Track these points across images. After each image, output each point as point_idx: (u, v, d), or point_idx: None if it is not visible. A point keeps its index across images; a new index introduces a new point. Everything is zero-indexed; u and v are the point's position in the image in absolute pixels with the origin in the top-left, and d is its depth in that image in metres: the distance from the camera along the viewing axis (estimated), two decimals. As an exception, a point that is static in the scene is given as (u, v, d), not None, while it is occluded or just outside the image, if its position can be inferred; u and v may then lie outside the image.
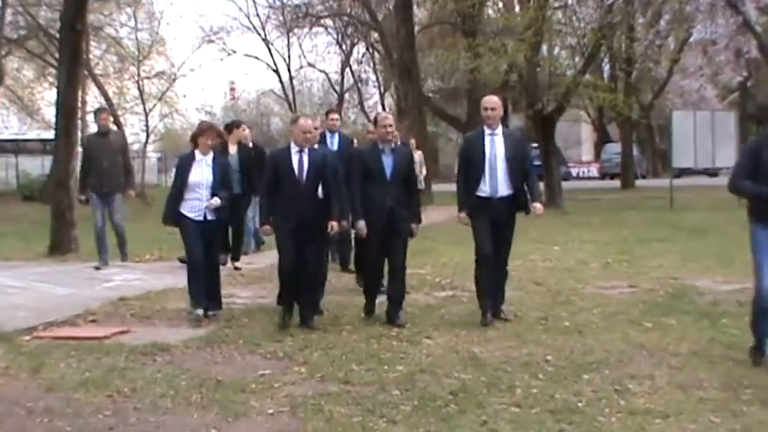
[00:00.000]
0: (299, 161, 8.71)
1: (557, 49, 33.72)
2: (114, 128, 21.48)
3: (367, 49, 45.19)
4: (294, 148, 8.76)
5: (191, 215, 9.08)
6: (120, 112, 40.96)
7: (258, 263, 12.70)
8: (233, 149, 12.76)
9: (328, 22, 42.49)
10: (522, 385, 6.57)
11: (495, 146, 8.72)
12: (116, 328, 8.83)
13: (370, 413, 6.03)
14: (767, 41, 25.68)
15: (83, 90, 34.81)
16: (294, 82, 52.94)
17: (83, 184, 13.58)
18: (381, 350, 7.78)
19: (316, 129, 11.84)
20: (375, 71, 48.48)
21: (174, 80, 45.81)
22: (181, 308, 9.62)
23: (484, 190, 8.69)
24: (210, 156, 9.30)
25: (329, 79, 52.41)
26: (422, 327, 8.64)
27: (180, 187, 9.16)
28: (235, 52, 47.28)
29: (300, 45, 48.81)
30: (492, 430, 5.63)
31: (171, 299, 10.24)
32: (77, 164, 14.98)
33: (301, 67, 52.31)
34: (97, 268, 13.10)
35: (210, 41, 45.09)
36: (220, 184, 9.23)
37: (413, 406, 6.11)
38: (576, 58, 31.78)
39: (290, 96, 52.64)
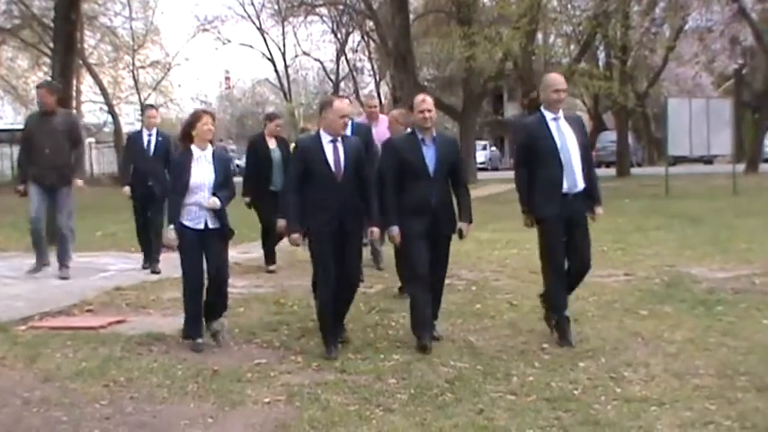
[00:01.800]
0: (335, 152, 7.32)
1: (552, 38, 33.80)
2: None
3: (362, 37, 45.19)
4: (326, 138, 7.33)
5: (189, 224, 7.56)
6: (115, 102, 40.97)
7: (254, 252, 12.68)
8: (272, 143, 11.76)
9: (323, 10, 42.49)
10: (518, 373, 6.58)
11: (564, 132, 7.42)
12: (112, 317, 8.82)
13: (367, 402, 6.04)
14: (762, 29, 25.67)
15: (77, 79, 34.78)
16: (289, 71, 53.03)
17: (21, 174, 11.57)
18: (378, 339, 7.78)
19: (374, 107, 11.46)
20: (370, 60, 48.49)
21: (168, 69, 45.87)
22: (176, 297, 9.60)
23: (560, 186, 7.37)
24: (210, 150, 7.70)
25: (324, 68, 52.50)
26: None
27: (182, 191, 7.56)
28: (230, 41, 47.33)
29: (295, 34, 49.00)
30: (488, 419, 5.64)
31: (167, 288, 10.22)
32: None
33: (296, 56, 52.46)
34: (33, 271, 11.42)
35: (205, 30, 45.14)
36: (223, 183, 7.71)
37: (409, 394, 6.12)
38: (572, 47, 31.86)
39: (286, 85, 52.69)
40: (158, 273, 11.36)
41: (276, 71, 52.59)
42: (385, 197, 7.47)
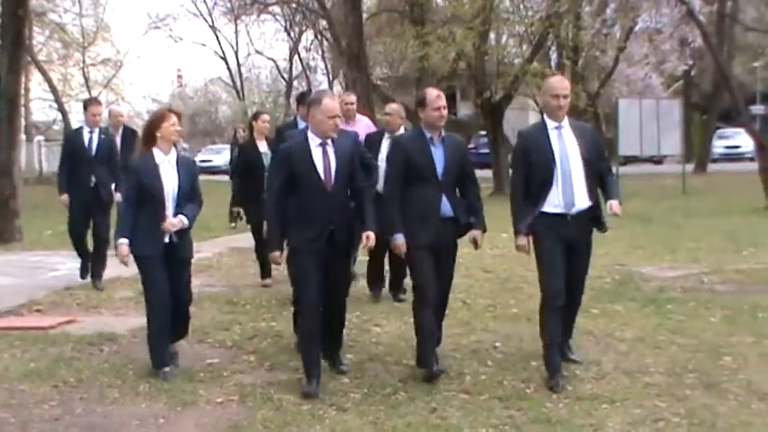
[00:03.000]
0: (324, 157, 6.35)
1: (504, 38, 33.88)
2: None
3: (315, 36, 44.99)
4: (315, 140, 6.35)
5: (149, 239, 6.69)
6: (65, 100, 40.46)
7: (205, 251, 12.60)
8: (263, 146, 10.58)
9: (276, 9, 42.23)
10: (471, 372, 6.61)
11: (566, 143, 6.46)
12: (62, 317, 8.73)
13: (320, 401, 6.04)
14: (710, 31, 26.01)
15: (26, 77, 34.30)
16: (242, 69, 52.76)
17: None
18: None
19: (350, 104, 9.72)
20: (324, 59, 48.31)
21: (120, 67, 45.40)
22: (128, 296, 9.52)
23: (555, 203, 6.41)
24: (174, 155, 6.75)
25: (277, 67, 52.26)
26: (371, 315, 8.64)
27: (140, 201, 6.64)
28: (182, 39, 47.03)
29: (248, 32, 48.67)
30: (441, 417, 5.66)
31: (118, 288, 10.13)
32: (22, 152, 14.67)
33: (249, 55, 52.17)
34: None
35: (157, 28, 44.71)
36: (189, 193, 6.77)
37: (363, 394, 6.13)
38: (524, 47, 31.94)
39: (239, 84, 52.43)
40: (102, 290, 10.17)
41: (229, 69, 52.34)
42: (389, 201, 6.62)
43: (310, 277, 6.32)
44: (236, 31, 49.82)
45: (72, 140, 10.73)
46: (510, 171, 6.84)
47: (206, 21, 48.94)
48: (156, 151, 6.69)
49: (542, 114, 6.71)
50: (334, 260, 6.44)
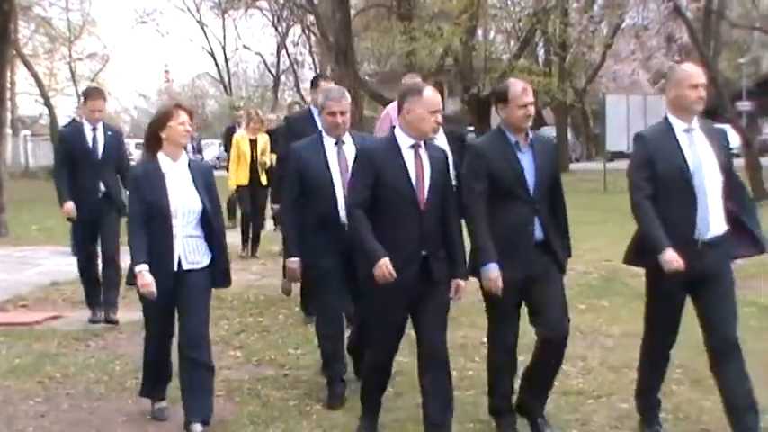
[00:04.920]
0: (417, 164, 5.05)
1: (492, 34, 33.97)
2: None
3: (303, 31, 44.93)
4: (406, 141, 5.06)
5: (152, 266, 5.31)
6: (51, 94, 40.36)
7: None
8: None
9: (264, 4, 42.20)
10: (458, 368, 6.60)
11: (698, 150, 5.06)
12: (47, 313, 8.70)
13: (307, 397, 6.05)
14: (697, 27, 26.07)
15: (11, 71, 34.16)
16: (230, 64, 52.71)
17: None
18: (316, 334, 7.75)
19: None
20: (311, 54, 48.26)
21: (106, 62, 45.28)
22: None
23: (686, 228, 5.03)
24: (185, 161, 5.46)
25: (265, 62, 52.25)
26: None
27: (143, 223, 5.32)
28: (168, 34, 46.95)
29: (236, 27, 48.60)
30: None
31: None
32: (7, 146, 14.56)
33: (237, 50, 52.13)
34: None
35: (144, 23, 44.59)
36: (210, 211, 5.44)
37: (350, 389, 6.12)
38: (512, 43, 32.08)
39: (226, 79, 52.38)
40: (116, 322, 8.25)
41: (216, 64, 52.34)
42: (475, 221, 5.16)
43: (396, 316, 5.11)
44: (224, 26, 49.87)
45: (71, 140, 8.51)
46: (630, 187, 5.24)
47: (193, 16, 48.96)
48: (161, 157, 5.39)
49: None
50: (426, 301, 5.09)
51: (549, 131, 44.31)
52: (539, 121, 50.72)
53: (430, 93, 5.12)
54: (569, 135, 43.34)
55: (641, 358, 5.48)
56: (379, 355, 5.23)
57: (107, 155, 8.41)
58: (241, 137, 12.13)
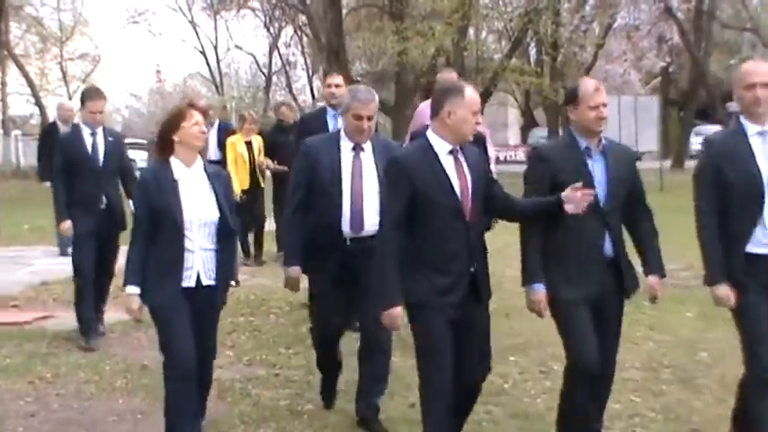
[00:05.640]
0: (458, 171, 4.52)
1: (484, 34, 33.98)
2: None
3: (295, 32, 44.98)
4: (444, 147, 4.50)
5: (170, 283, 4.86)
6: (42, 94, 40.26)
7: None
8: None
9: (256, 4, 42.18)
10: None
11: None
12: (38, 313, 8.68)
13: (298, 396, 6.04)
14: (688, 28, 26.16)
15: (3, 71, 34.12)
16: (221, 64, 52.67)
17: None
18: (309, 334, 7.74)
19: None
20: (303, 54, 48.29)
21: (98, 62, 45.22)
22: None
23: (761, 241, 4.56)
24: (200, 164, 4.99)
25: (257, 62, 52.22)
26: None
27: (148, 234, 4.86)
28: (161, 34, 46.96)
29: (228, 27, 48.58)
30: (419, 413, 5.66)
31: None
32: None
33: (229, 50, 52.13)
34: None
35: (135, 22, 44.55)
36: (225, 224, 4.94)
37: (341, 389, 6.11)
38: (503, 43, 32.10)
39: (218, 79, 52.36)
40: (104, 334, 7.80)
41: (208, 65, 52.29)
42: (526, 240, 4.74)
43: (446, 346, 4.47)
44: (216, 27, 49.80)
45: (68, 145, 7.73)
46: (696, 196, 4.84)
47: (185, 16, 48.90)
48: (174, 162, 4.90)
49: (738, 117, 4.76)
50: (475, 316, 4.60)
51: (541, 132, 44.47)
52: (529, 122, 50.95)
53: (472, 93, 4.61)
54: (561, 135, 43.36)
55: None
56: (440, 384, 4.48)
57: (108, 162, 7.65)
58: (237, 139, 11.86)
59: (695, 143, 41.08)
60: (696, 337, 7.40)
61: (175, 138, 4.87)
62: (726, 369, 6.41)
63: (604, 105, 4.70)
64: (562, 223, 4.56)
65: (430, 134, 4.56)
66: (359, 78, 40.14)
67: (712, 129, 39.81)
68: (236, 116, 12.74)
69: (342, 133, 5.41)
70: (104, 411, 5.83)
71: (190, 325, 4.84)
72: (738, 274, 4.56)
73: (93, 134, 7.62)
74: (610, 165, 4.70)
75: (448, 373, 4.46)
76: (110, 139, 7.74)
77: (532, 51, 38.12)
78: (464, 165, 4.52)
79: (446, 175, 4.45)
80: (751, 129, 4.60)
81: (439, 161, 4.47)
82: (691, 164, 34.97)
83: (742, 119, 4.66)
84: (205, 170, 4.99)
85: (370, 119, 5.31)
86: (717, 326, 7.71)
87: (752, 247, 4.55)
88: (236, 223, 5.14)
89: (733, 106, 35.35)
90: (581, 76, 37.63)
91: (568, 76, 39.13)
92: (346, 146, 5.36)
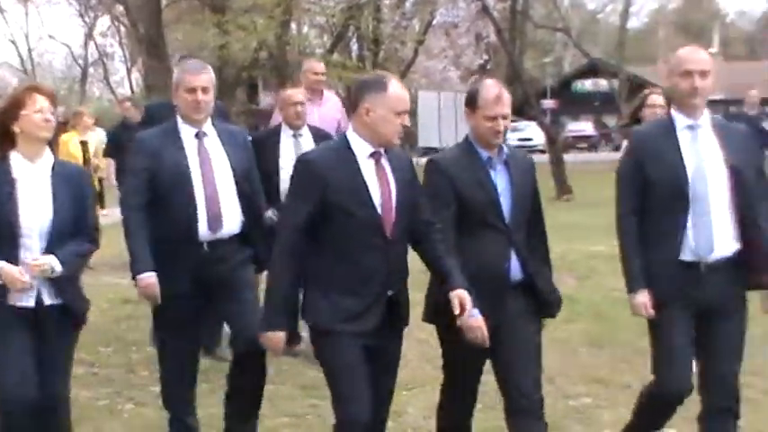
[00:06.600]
0: (381, 179, 3.91)
1: (306, 28, 34.03)
2: None
3: (112, 22, 43.77)
4: (364, 150, 3.90)
5: (9, 301, 4.13)
6: None
7: None
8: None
9: (70, -9, 40.89)
10: (275, 363, 6.60)
11: (702, 152, 4.20)
12: None
13: (118, 396, 5.93)
14: (503, 27, 26.94)
15: None
16: (33, 54, 50.80)
17: None
18: (128, 331, 7.59)
19: (320, 75, 7.60)
20: (121, 45, 47.09)
21: None
22: None
23: (686, 249, 4.17)
24: (49, 162, 4.26)
25: (72, 53, 50.60)
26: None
27: None
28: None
29: (39, 15, 46.85)
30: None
31: None
32: None
33: (41, 39, 50.40)
34: None
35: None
36: (75, 225, 4.23)
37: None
38: (325, 38, 32.21)
39: (29, 69, 50.51)
40: None
41: (19, 54, 50.31)
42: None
43: (360, 378, 3.87)
44: (27, 13, 47.91)
45: (158, 118, 6.45)
46: (617, 196, 4.39)
47: (-8, 1, 46.80)
48: (14, 158, 4.20)
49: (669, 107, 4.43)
50: (389, 348, 4.06)
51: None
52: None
53: (397, 87, 3.93)
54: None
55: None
56: (352, 425, 3.88)
57: None
58: (69, 137, 10.75)
59: (512, 138, 42.59)
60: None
61: (16, 129, 4.15)
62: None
63: (504, 117, 4.17)
64: (463, 246, 4.09)
65: (349, 133, 3.95)
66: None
67: (527, 124, 41.40)
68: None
69: (179, 120, 4.70)
70: None
71: (27, 352, 4.10)
72: (661, 283, 4.19)
73: None
74: (514, 176, 4.23)
75: (363, 407, 3.82)
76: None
77: (354, 47, 38.45)
78: (387, 172, 3.92)
79: (365, 182, 3.85)
80: (680, 122, 4.23)
81: (358, 166, 3.86)
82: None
83: (672, 110, 4.31)
84: (54, 168, 4.24)
85: (205, 91, 4.63)
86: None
87: (675, 254, 4.17)
88: (91, 233, 4.36)
89: (547, 103, 36.56)
90: (401, 72, 38.36)
91: (390, 71, 39.72)
92: (187, 133, 4.67)
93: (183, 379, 4.89)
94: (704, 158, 4.15)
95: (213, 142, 4.69)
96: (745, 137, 4.40)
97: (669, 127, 4.24)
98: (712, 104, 4.75)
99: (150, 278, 4.53)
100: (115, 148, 10.34)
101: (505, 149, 4.25)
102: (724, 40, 57.55)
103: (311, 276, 3.89)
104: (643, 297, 4.20)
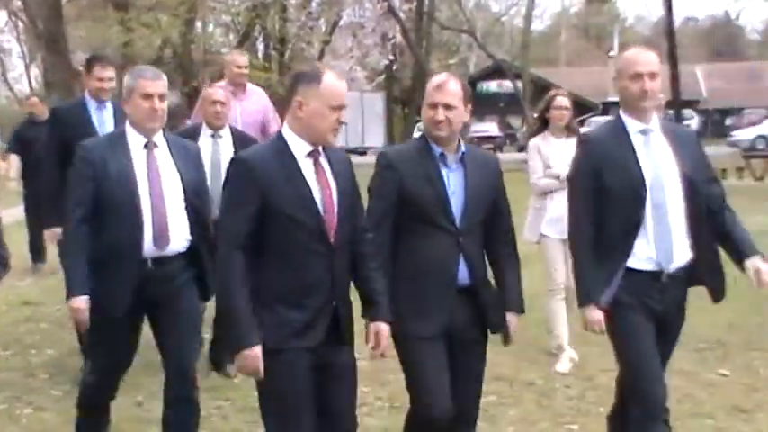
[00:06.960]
0: (321, 181, 3.62)
1: (211, 27, 33.75)
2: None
3: (9, 17, 42.69)
4: (301, 148, 3.61)
5: None
6: None
7: None
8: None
9: (-37, -15, 39.71)
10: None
11: (656, 158, 4.04)
12: None
13: (17, 400, 5.80)
14: (409, 27, 27.14)
15: None
16: None
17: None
18: (28, 334, 7.44)
19: (244, 68, 7.14)
20: (19, 41, 46.01)
21: None
22: None
23: (644, 257, 4.02)
24: None
25: (-33, 49, 49.16)
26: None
27: None
28: None
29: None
30: (147, 410, 5.59)
31: None
32: None
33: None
34: None
35: None
36: None
37: (64, 391, 5.91)
38: (231, 36, 31.99)
39: None
40: None
41: None
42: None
43: (306, 403, 3.60)
44: None
45: (65, 120, 6.07)
46: (570, 204, 4.26)
47: None
48: None
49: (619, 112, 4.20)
50: (339, 362, 3.71)
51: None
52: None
53: (333, 80, 3.60)
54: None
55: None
56: None
57: None
58: None
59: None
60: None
61: None
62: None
63: (447, 107, 3.93)
64: (408, 246, 3.95)
65: (285, 131, 3.64)
66: (81, 68, 38.75)
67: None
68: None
69: (128, 129, 4.38)
70: None
71: None
72: (617, 293, 4.00)
73: (101, 108, 6.12)
74: (469, 176, 3.99)
75: (309, 427, 3.57)
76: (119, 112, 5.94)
77: (261, 46, 38.30)
78: (327, 172, 3.63)
79: (307, 184, 3.55)
80: (632, 126, 4.06)
81: (298, 165, 3.56)
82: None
83: (622, 114, 4.11)
84: None
85: (162, 98, 4.34)
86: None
87: (632, 262, 3.99)
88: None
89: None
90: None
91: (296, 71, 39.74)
92: (136, 144, 4.35)
93: (112, 375, 4.58)
94: (660, 165, 4.00)
95: (163, 154, 4.39)
96: (695, 142, 4.24)
97: (622, 132, 4.06)
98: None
99: (81, 302, 4.26)
100: (20, 144, 10.26)
101: (464, 148, 4.03)
102: (622, 44, 58.87)
103: (252, 290, 3.50)
104: (597, 314, 4.00)
